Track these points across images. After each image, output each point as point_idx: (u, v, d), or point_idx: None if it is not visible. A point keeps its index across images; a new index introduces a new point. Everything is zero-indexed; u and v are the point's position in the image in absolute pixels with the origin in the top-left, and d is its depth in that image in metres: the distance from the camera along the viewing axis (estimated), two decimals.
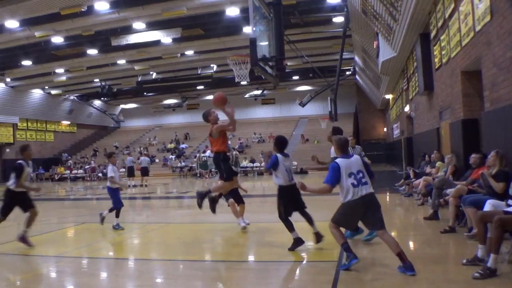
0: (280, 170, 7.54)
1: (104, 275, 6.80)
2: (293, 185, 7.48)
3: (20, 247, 8.27)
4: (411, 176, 15.04)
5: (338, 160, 6.19)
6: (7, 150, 40.47)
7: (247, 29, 23.10)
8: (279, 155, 7.63)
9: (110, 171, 10.74)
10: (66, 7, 20.37)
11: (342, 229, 6.42)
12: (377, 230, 6.16)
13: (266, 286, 5.92)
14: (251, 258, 7.58)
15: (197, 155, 38.21)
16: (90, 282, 6.33)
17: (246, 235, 9.11)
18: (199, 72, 35.97)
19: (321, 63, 34.10)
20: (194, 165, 36.97)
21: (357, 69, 35.13)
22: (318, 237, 7.49)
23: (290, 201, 7.57)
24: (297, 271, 6.79)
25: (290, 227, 7.56)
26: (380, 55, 20.97)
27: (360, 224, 6.74)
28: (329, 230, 6.30)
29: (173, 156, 41.78)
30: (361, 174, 6.11)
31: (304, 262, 7.15)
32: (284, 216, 7.56)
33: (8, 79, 36.46)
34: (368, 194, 6.07)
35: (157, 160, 41.52)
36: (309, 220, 7.64)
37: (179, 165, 39.18)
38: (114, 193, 10.74)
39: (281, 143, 7.83)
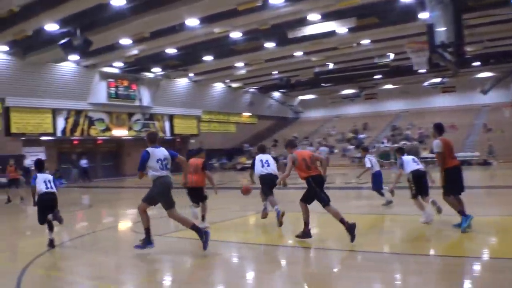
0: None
1: (283, 262, 6.98)
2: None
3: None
4: None
5: (148, 149, 7.51)
6: (192, 141, 43.53)
7: (423, 15, 22.02)
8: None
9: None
10: (243, 2, 21.20)
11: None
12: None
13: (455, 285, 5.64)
14: (432, 252, 7.25)
15: (376, 145, 37.56)
16: (270, 268, 6.62)
17: (434, 227, 8.69)
18: (375, 61, 35.21)
19: (504, 47, 31.27)
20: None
21: None
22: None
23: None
24: (479, 269, 6.37)
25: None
26: None
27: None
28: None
29: (352, 147, 41.44)
30: (165, 161, 7.53)
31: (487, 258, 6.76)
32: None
33: (191, 74, 39.49)
34: (168, 175, 7.53)
35: (336, 151, 41.52)
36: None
37: (357, 155, 38.73)
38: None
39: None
